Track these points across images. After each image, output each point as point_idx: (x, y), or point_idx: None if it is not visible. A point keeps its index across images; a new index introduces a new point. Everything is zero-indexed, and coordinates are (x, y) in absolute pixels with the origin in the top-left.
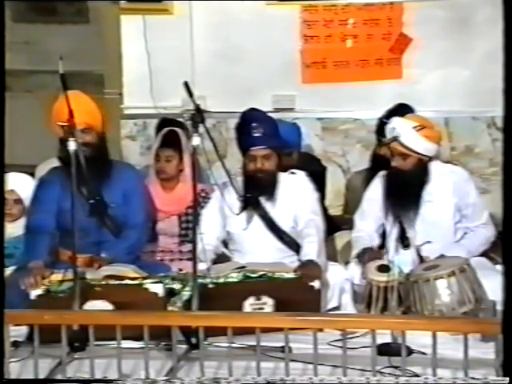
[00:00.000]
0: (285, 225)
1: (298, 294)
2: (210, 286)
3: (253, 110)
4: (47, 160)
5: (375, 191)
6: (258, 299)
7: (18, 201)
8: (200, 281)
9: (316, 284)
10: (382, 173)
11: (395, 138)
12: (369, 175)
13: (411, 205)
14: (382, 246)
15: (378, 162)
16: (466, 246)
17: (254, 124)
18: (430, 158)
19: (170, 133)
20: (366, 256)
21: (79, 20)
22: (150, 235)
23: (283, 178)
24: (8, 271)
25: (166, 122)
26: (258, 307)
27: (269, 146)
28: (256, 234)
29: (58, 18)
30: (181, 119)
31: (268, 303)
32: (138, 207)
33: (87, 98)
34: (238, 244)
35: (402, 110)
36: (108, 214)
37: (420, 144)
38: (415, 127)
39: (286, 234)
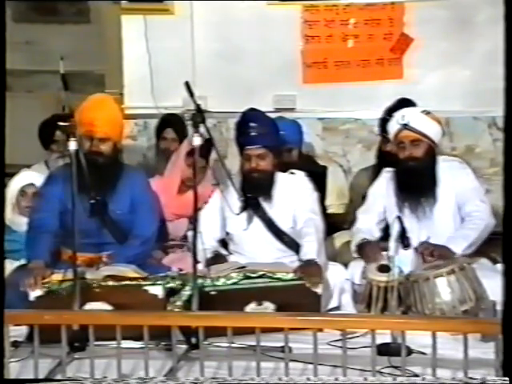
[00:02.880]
0: (284, 225)
1: (299, 299)
2: (212, 292)
3: (251, 109)
4: (35, 166)
5: (380, 187)
6: (259, 304)
7: (36, 194)
8: (200, 282)
9: (318, 289)
10: (388, 169)
11: (405, 126)
12: (375, 172)
13: (428, 192)
14: (382, 240)
15: (384, 159)
16: (465, 238)
17: (250, 124)
18: (436, 149)
19: (208, 141)
20: (366, 248)
21: (80, 20)
22: (156, 246)
23: (282, 178)
24: (15, 264)
25: (166, 121)
26: (259, 312)
27: (264, 145)
28: (256, 234)
29: (59, 17)
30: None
31: (269, 308)
32: (146, 218)
33: (113, 104)
34: (237, 245)
35: (404, 104)
36: (109, 215)
37: (430, 127)
38: (423, 111)
39: (286, 234)
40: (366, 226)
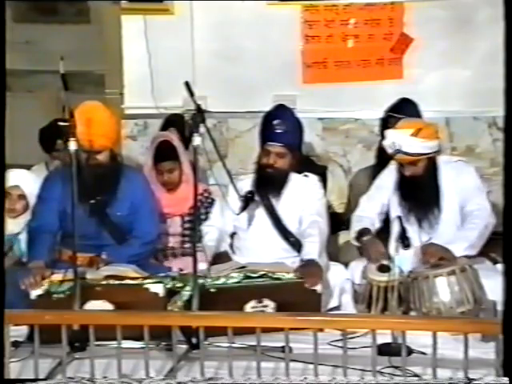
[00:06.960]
0: (290, 225)
1: (299, 297)
2: (212, 289)
3: (281, 106)
4: (35, 166)
5: (386, 179)
6: (260, 302)
7: (22, 196)
8: (201, 282)
9: (318, 288)
10: (394, 162)
11: (398, 151)
12: (375, 171)
13: (433, 204)
14: (382, 232)
15: (384, 158)
16: (465, 239)
17: (276, 120)
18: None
19: (164, 143)
20: (370, 247)
21: (80, 20)
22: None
23: (295, 178)
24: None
25: (168, 122)
26: (259, 310)
27: (285, 143)
28: (261, 232)
29: (59, 17)
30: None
31: (269, 306)
32: (147, 220)
33: (104, 112)
34: (242, 240)
35: (404, 104)
36: (109, 217)
37: (423, 147)
38: (412, 134)
39: (291, 233)
40: (368, 214)
